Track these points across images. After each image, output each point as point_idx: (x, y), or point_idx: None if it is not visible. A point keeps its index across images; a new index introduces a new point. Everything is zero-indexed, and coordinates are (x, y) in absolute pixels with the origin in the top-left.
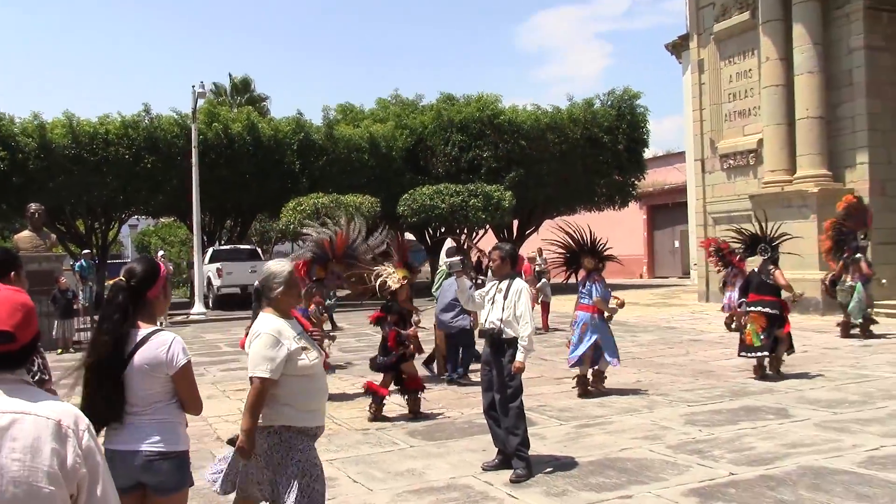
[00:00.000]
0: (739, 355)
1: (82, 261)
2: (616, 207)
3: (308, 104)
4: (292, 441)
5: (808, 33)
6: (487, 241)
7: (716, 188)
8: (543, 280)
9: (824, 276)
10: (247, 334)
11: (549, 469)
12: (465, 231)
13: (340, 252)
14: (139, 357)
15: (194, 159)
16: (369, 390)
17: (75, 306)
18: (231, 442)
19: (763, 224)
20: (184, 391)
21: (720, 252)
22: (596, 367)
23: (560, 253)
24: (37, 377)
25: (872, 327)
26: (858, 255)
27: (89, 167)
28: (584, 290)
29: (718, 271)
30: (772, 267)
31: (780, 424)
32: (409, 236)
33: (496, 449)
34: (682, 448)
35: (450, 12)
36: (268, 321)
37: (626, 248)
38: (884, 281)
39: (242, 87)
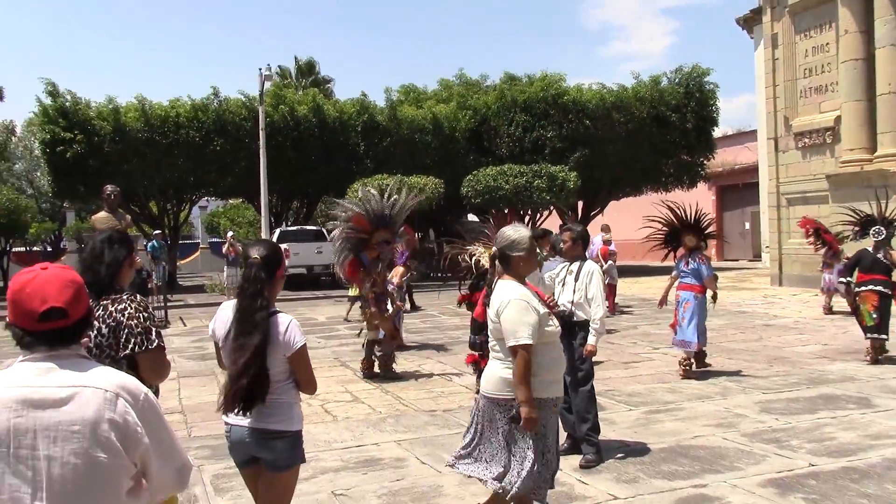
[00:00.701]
0: (866, 337)
1: (154, 241)
2: (684, 188)
3: (371, 86)
4: (540, 415)
5: (891, 3)
6: (552, 222)
7: (790, 168)
8: (610, 262)
9: None
10: (482, 304)
11: (619, 455)
12: (530, 213)
13: (367, 224)
14: (274, 334)
15: (262, 141)
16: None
17: (149, 286)
18: (513, 419)
19: (880, 205)
20: (300, 371)
21: (818, 233)
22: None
23: (661, 230)
24: (154, 344)
25: None
26: None
27: (161, 150)
28: (686, 270)
29: (816, 251)
30: (889, 247)
31: (862, 414)
32: (472, 217)
33: (565, 433)
34: (758, 437)
35: None
36: (513, 288)
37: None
38: None
39: (307, 70)
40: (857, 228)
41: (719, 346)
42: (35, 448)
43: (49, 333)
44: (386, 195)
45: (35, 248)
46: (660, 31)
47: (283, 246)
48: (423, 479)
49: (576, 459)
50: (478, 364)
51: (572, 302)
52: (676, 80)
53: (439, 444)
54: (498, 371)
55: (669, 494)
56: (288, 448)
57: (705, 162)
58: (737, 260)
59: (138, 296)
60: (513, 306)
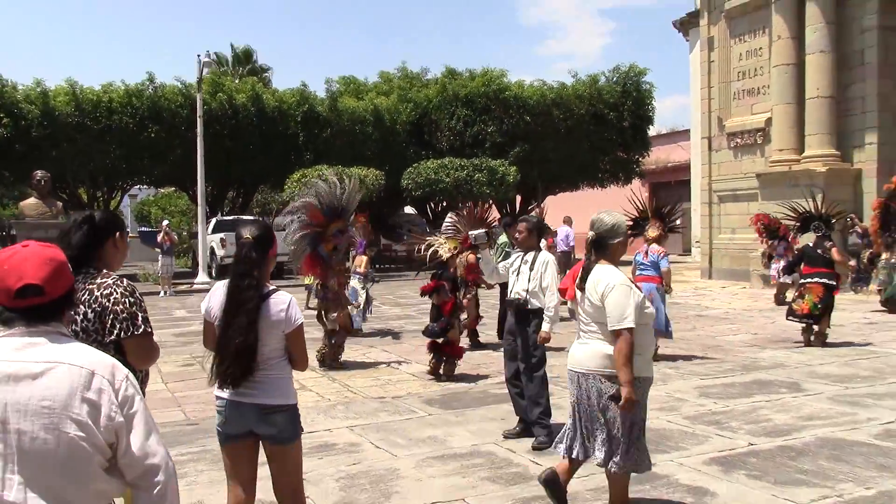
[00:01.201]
0: (788, 319)
1: None
2: (619, 184)
3: (310, 77)
4: (637, 392)
5: (821, 12)
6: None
7: (722, 166)
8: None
9: (865, 254)
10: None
11: None
12: (469, 206)
13: (325, 214)
14: (269, 311)
15: (199, 129)
16: (444, 353)
17: None
18: (613, 398)
19: (818, 202)
20: (296, 349)
21: (768, 227)
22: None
23: (630, 217)
24: (140, 329)
25: None
26: None
27: (93, 135)
28: (646, 262)
29: (766, 245)
30: (829, 243)
31: (793, 398)
32: (409, 210)
33: (516, 418)
34: (699, 419)
35: None
36: (613, 272)
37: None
38: None
39: (244, 58)
40: (796, 224)
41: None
42: (6, 422)
43: (26, 310)
44: (334, 185)
45: None
46: (596, 31)
47: (220, 236)
48: (380, 462)
49: (528, 442)
50: (439, 349)
51: (527, 290)
52: (614, 79)
53: (392, 430)
54: (601, 349)
55: None
56: (288, 421)
57: (640, 159)
58: (670, 253)
59: (125, 280)
60: (618, 291)
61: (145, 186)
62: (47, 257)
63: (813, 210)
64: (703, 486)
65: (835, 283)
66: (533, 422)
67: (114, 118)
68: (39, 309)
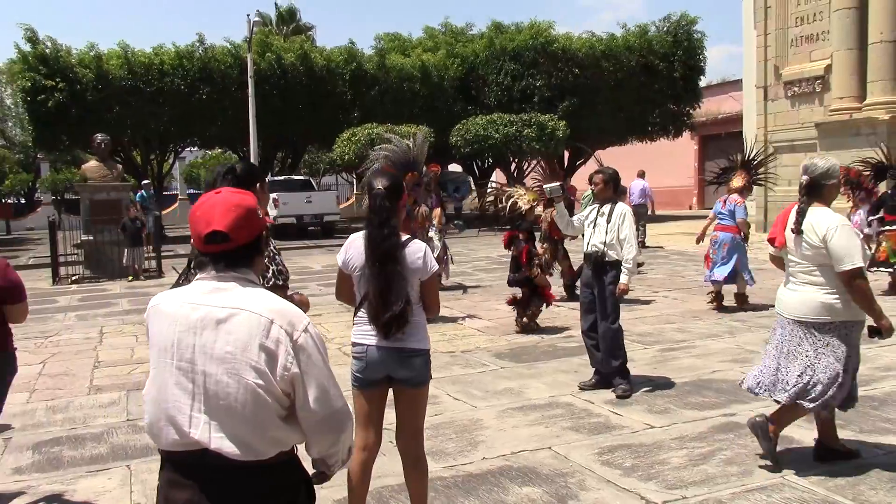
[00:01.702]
0: (869, 270)
1: (143, 191)
2: (669, 137)
3: (354, 33)
4: (851, 335)
5: None
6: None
7: (778, 116)
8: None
9: None
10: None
11: (646, 389)
12: (517, 161)
13: (399, 169)
14: (407, 260)
15: (251, 90)
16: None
17: (143, 234)
18: (875, 333)
19: (885, 151)
20: (430, 296)
21: (850, 180)
22: (735, 290)
23: (719, 168)
24: (270, 282)
25: None
26: None
27: (145, 98)
28: (724, 211)
29: (848, 199)
30: None
31: (867, 349)
32: (454, 167)
33: (592, 370)
34: None
35: None
36: (831, 214)
37: (676, 180)
38: None
39: (288, 17)
40: (871, 174)
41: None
42: (194, 363)
43: (216, 255)
44: (400, 142)
45: (8, 201)
46: None
47: (273, 195)
48: (461, 413)
49: (604, 394)
50: (519, 302)
51: (604, 243)
52: (665, 28)
53: (467, 382)
54: (816, 296)
55: (702, 423)
56: (424, 364)
57: (691, 111)
58: (745, 204)
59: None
60: (843, 232)
61: (195, 149)
62: (233, 204)
63: (885, 160)
64: (788, 435)
65: None
66: (613, 372)
67: (165, 80)
68: (227, 254)
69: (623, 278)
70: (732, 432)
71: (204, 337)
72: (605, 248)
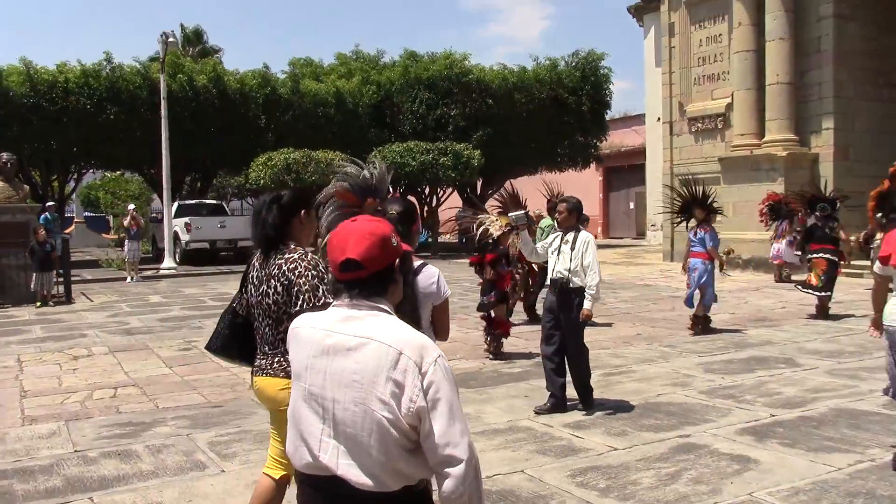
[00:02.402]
0: (797, 288)
1: (47, 213)
2: (577, 168)
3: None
4: None
5: (780, 0)
6: (454, 200)
7: (683, 150)
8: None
9: (860, 234)
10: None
11: (601, 412)
12: (430, 190)
13: (357, 194)
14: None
15: (163, 111)
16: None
17: (53, 258)
18: None
19: (822, 186)
20: (442, 319)
21: (773, 208)
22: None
23: (676, 203)
24: (321, 301)
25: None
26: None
27: (48, 117)
28: (695, 239)
29: (766, 227)
30: (836, 223)
31: (793, 372)
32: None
33: (544, 394)
34: (714, 393)
35: None
36: None
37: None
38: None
39: (195, 38)
40: (804, 206)
41: (640, 315)
42: (324, 388)
43: (349, 283)
44: (360, 168)
45: None
46: (536, 15)
47: (185, 220)
48: None
49: (560, 417)
50: (491, 322)
51: (569, 269)
52: (573, 63)
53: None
54: None
55: (661, 444)
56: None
57: (598, 143)
58: (622, 238)
59: (310, 254)
60: None
61: (96, 171)
62: (367, 232)
63: (817, 193)
64: (744, 454)
65: (836, 259)
66: (584, 395)
67: (70, 99)
68: (361, 282)
69: (587, 304)
70: (692, 453)
71: (335, 364)
72: (570, 275)
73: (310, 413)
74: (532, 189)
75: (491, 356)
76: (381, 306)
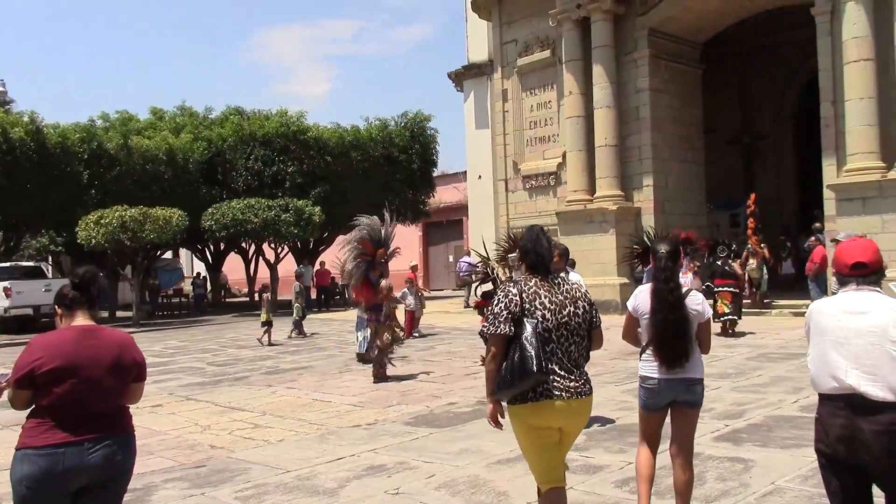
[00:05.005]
0: (715, 321)
1: None
2: (407, 223)
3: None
4: None
5: (605, 73)
6: (293, 256)
7: (518, 205)
8: (405, 290)
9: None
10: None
11: (584, 433)
12: (274, 245)
13: (371, 248)
14: (689, 308)
15: None
16: None
17: None
18: None
19: (719, 235)
20: (705, 335)
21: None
22: None
23: (636, 251)
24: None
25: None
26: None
27: None
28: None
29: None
30: (732, 262)
31: (711, 391)
32: (167, 255)
33: None
34: None
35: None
36: None
37: (402, 264)
38: None
39: None
40: (709, 249)
41: None
42: (847, 339)
43: (858, 277)
44: (375, 221)
45: None
46: (322, 76)
47: (4, 284)
48: (450, 472)
49: None
50: None
51: None
52: (402, 124)
53: (419, 449)
54: None
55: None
56: (702, 390)
57: (427, 200)
58: (441, 289)
59: (582, 281)
60: None
61: None
62: (869, 244)
63: (718, 239)
64: (738, 456)
65: (738, 291)
66: None
67: None
68: (866, 276)
69: None
70: (696, 458)
71: (854, 321)
72: None
73: (835, 355)
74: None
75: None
76: (878, 290)
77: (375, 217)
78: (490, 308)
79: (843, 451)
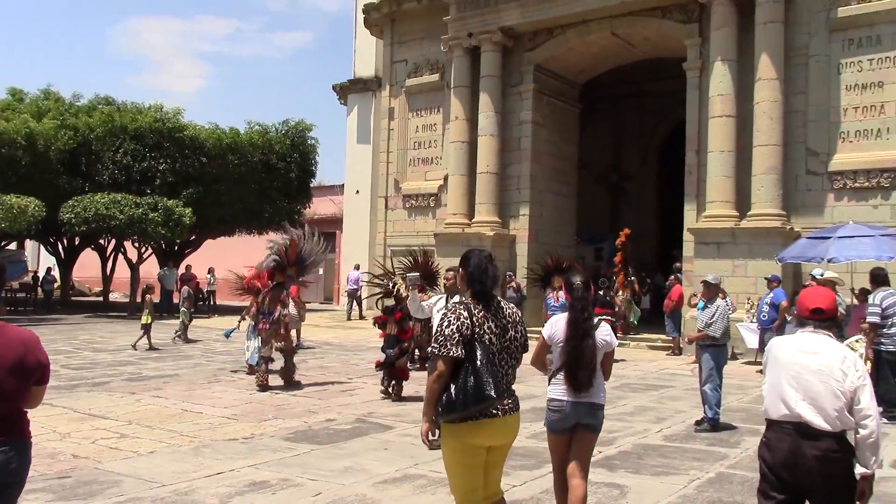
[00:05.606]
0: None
1: None
2: (280, 232)
3: None
4: None
5: (491, 102)
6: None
7: (397, 224)
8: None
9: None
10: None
11: None
12: (138, 245)
13: (294, 258)
14: (598, 338)
15: None
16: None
17: None
18: None
19: (602, 266)
20: (609, 365)
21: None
22: None
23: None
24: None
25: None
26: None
27: None
28: (556, 305)
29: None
30: (612, 293)
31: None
32: (12, 246)
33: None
34: (538, 437)
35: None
36: None
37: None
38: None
39: None
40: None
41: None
42: (799, 374)
43: (815, 322)
44: (315, 242)
45: None
46: (194, 72)
47: None
48: (338, 491)
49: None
50: (391, 370)
51: None
52: (283, 131)
53: (302, 465)
54: None
55: (545, 479)
56: (602, 416)
57: (303, 210)
58: (310, 302)
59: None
60: None
61: None
62: (827, 293)
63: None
64: (614, 482)
65: (615, 321)
66: None
67: None
68: (822, 321)
69: None
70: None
71: (807, 359)
72: None
73: (787, 387)
74: (231, 250)
75: (392, 398)
76: (829, 334)
77: (316, 239)
78: (439, 329)
79: (785, 474)
